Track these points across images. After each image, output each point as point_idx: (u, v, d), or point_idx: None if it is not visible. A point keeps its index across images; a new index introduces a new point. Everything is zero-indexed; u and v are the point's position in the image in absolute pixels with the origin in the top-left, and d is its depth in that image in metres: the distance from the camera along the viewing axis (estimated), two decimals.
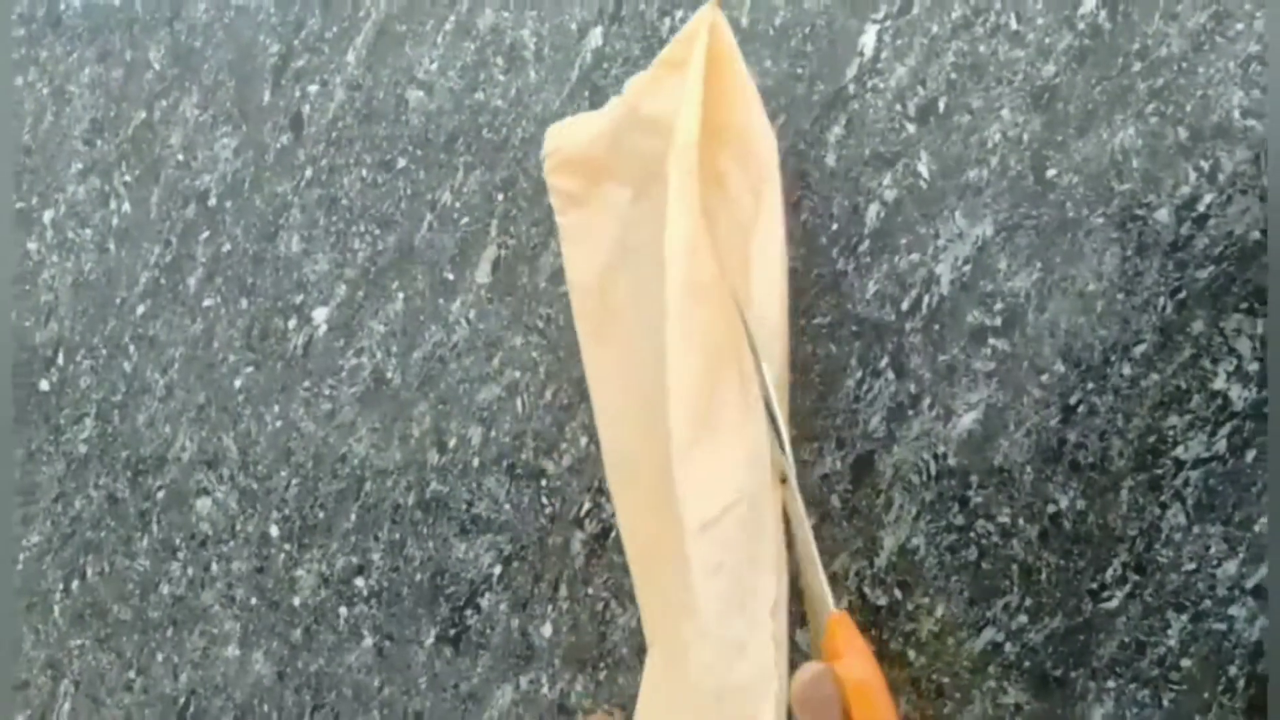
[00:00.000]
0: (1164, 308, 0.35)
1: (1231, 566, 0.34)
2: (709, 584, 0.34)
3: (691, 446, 0.35)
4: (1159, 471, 0.35)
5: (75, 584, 0.60)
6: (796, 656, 0.36)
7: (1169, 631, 0.35)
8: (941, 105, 0.38)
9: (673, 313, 0.35)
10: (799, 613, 0.36)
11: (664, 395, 0.35)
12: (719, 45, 0.37)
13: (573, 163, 0.42)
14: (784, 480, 0.35)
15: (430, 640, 0.48)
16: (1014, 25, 0.37)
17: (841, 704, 0.32)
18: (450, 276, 0.49)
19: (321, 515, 0.51)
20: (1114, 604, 0.35)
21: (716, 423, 0.35)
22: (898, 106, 0.39)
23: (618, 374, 0.41)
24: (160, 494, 0.57)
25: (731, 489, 0.35)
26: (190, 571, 0.56)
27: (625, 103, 0.41)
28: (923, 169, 0.39)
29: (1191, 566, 0.34)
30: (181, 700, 0.56)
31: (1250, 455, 0.34)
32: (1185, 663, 0.35)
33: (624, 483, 0.42)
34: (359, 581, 0.50)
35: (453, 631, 0.48)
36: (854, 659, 0.32)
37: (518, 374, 0.47)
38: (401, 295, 0.50)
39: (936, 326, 0.38)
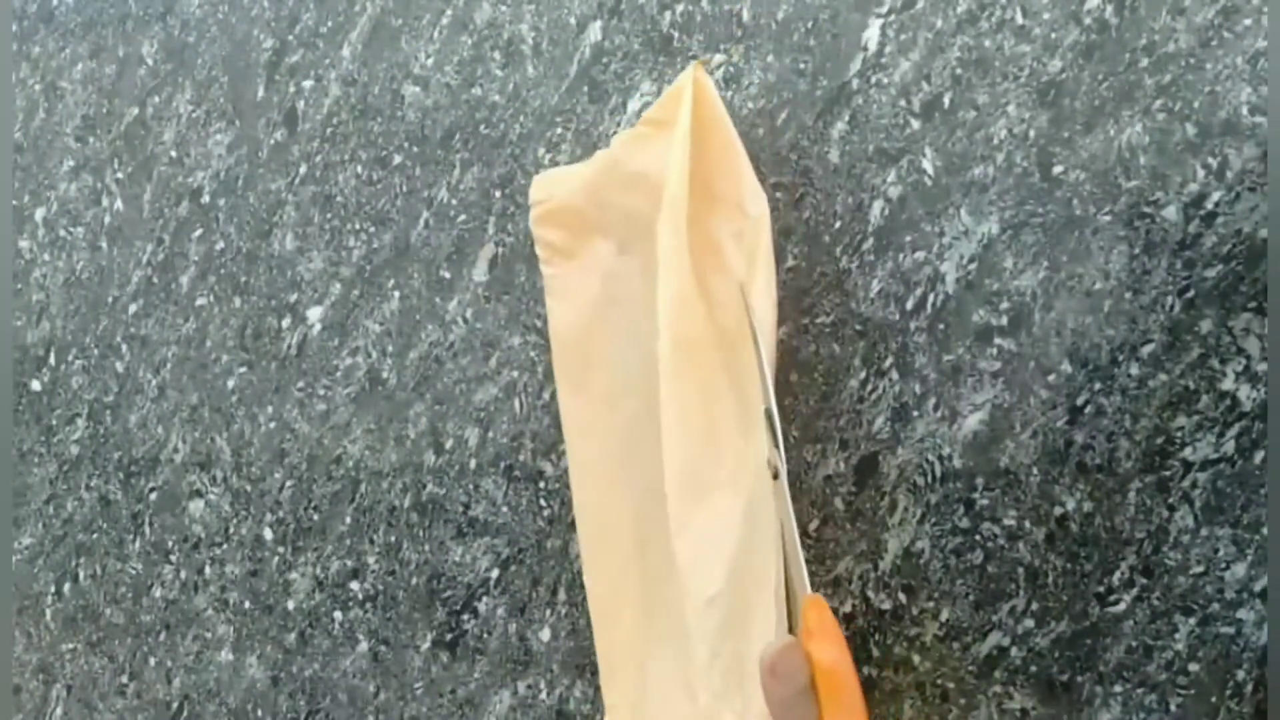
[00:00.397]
0: (1172, 307, 0.35)
1: (1240, 569, 0.34)
2: (713, 663, 0.36)
3: (689, 518, 0.36)
4: (1167, 473, 0.35)
5: (67, 587, 0.59)
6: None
7: (1176, 635, 0.34)
8: (946, 101, 0.38)
9: (665, 374, 0.36)
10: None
11: (659, 461, 0.36)
12: (705, 106, 0.38)
13: (558, 214, 0.43)
14: (775, 476, 0.35)
15: (426, 645, 0.48)
16: (1020, 20, 0.37)
17: (809, 679, 0.31)
18: (447, 275, 0.48)
19: (316, 518, 0.51)
20: (1121, 607, 0.35)
21: (714, 479, 0.36)
22: (902, 102, 0.39)
23: (596, 427, 0.42)
24: (153, 496, 0.56)
25: (729, 555, 0.36)
26: (183, 575, 0.55)
27: (610, 157, 0.41)
28: (927, 165, 0.38)
29: (1199, 569, 0.34)
30: (175, 705, 0.55)
31: (1259, 456, 0.33)
32: (1193, 667, 0.34)
33: (595, 537, 0.42)
34: (354, 585, 0.50)
35: (449, 636, 0.47)
36: (826, 641, 0.32)
37: (515, 374, 0.46)
38: (397, 294, 0.49)
39: (941, 326, 0.38)
